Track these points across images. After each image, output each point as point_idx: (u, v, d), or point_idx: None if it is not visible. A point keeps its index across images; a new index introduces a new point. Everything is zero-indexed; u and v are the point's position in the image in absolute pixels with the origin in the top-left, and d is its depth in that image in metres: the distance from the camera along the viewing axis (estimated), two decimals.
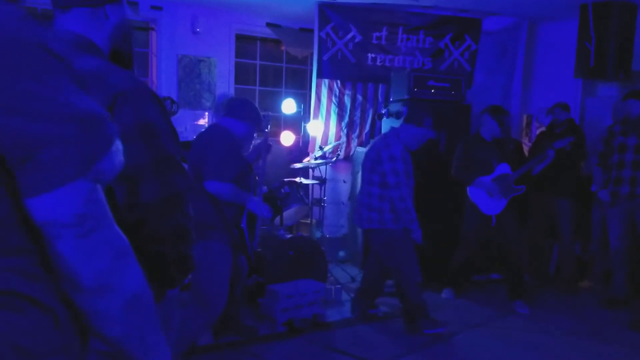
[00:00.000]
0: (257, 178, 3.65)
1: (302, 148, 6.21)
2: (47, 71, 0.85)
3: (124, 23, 1.53)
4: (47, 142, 0.80)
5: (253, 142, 3.88)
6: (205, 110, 6.03)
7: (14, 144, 0.80)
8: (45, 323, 0.85)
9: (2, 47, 0.82)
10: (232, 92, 6.23)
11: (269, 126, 3.87)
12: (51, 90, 0.83)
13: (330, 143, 5.98)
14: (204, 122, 6.01)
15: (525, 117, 6.65)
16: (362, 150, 5.94)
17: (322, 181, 5.51)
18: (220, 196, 3.18)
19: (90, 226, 0.86)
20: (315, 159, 5.34)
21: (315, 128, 5.95)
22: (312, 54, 6.09)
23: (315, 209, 5.81)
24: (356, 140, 6.14)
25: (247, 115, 3.38)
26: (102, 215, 0.89)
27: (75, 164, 0.82)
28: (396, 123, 4.39)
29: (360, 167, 5.89)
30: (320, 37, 5.83)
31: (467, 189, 4.81)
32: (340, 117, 6.05)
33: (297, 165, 5.40)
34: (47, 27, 1.39)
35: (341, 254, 6.16)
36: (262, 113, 3.80)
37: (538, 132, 6.02)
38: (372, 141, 4.38)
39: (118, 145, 0.91)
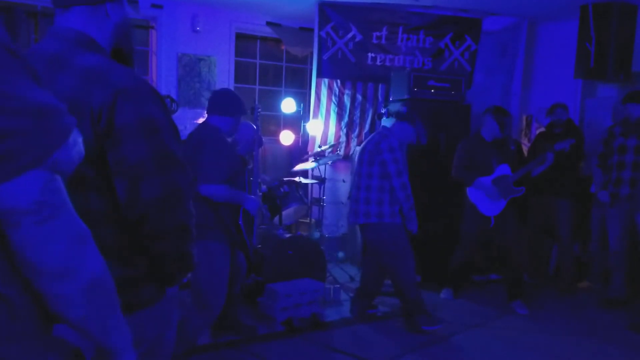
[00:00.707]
0: (251, 179, 3.64)
1: (301, 147, 6.20)
2: (1, 66, 0.87)
3: (125, 22, 1.53)
4: (5, 134, 0.84)
5: (244, 133, 3.84)
6: (204, 109, 6.01)
7: None
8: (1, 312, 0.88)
9: None
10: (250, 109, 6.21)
11: (258, 117, 3.82)
12: (6, 85, 0.86)
13: (329, 142, 5.97)
14: (203, 120, 5.99)
15: (525, 117, 6.65)
16: None
17: (321, 180, 5.50)
18: (217, 198, 3.16)
19: (48, 213, 0.90)
20: (315, 158, 5.33)
21: (314, 127, 5.95)
22: (312, 53, 6.09)
23: (315, 209, 5.81)
24: (356, 139, 6.14)
25: (230, 109, 3.33)
26: (59, 203, 0.92)
27: (31, 155, 0.86)
28: (388, 122, 4.42)
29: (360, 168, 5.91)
30: (320, 37, 5.83)
31: (467, 189, 4.81)
32: (339, 117, 6.05)
33: (299, 167, 5.39)
34: (56, 32, 1.42)
35: (340, 254, 6.16)
36: (253, 105, 3.78)
37: (537, 132, 6.02)
38: (366, 139, 4.42)
39: (77, 138, 0.95)
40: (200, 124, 3.40)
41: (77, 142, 0.95)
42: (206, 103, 3.49)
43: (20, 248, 0.89)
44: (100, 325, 1.01)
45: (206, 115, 3.41)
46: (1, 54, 0.88)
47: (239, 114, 3.38)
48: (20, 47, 0.94)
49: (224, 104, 3.34)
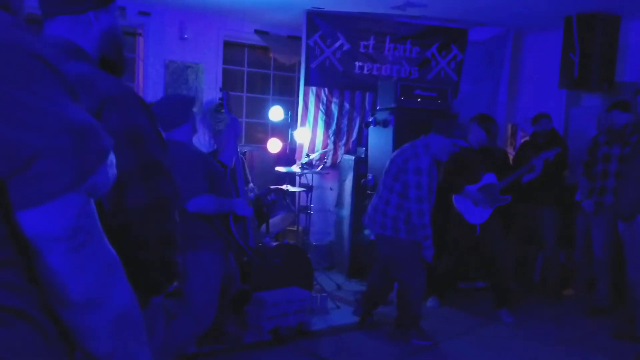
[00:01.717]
0: (237, 184, 3.59)
1: (289, 155, 6.20)
2: (40, 80, 0.82)
3: (113, 30, 1.52)
4: (40, 153, 0.78)
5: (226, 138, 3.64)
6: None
7: (6, 154, 0.77)
8: (33, 337, 0.82)
9: None
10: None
11: (227, 102, 3.58)
12: (45, 101, 0.81)
13: (317, 150, 5.98)
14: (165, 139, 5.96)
15: (510, 126, 6.71)
16: (348, 157, 5.96)
17: (308, 188, 5.51)
18: (205, 210, 3.09)
19: (82, 240, 0.84)
20: (302, 166, 5.34)
21: (302, 135, 5.96)
22: (300, 62, 6.11)
23: (302, 217, 5.81)
24: (343, 148, 6.16)
25: (178, 118, 3.16)
26: (93, 229, 0.87)
27: (69, 176, 0.81)
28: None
29: (346, 174, 5.93)
30: (308, 45, 5.85)
31: (453, 197, 4.83)
32: (327, 125, 6.06)
33: (283, 169, 5.36)
34: (39, 34, 1.39)
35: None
36: (221, 94, 3.53)
37: (522, 141, 6.08)
38: (400, 147, 4.19)
39: (112, 158, 0.89)
40: (167, 143, 3.27)
41: (113, 163, 0.90)
42: (193, 110, 3.39)
43: (49, 275, 0.83)
44: (126, 359, 0.95)
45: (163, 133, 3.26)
46: (40, 68, 0.84)
47: (188, 116, 3.20)
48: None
49: (172, 116, 3.15)
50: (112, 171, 0.90)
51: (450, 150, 4.09)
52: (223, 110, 3.57)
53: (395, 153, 4.22)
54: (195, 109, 3.25)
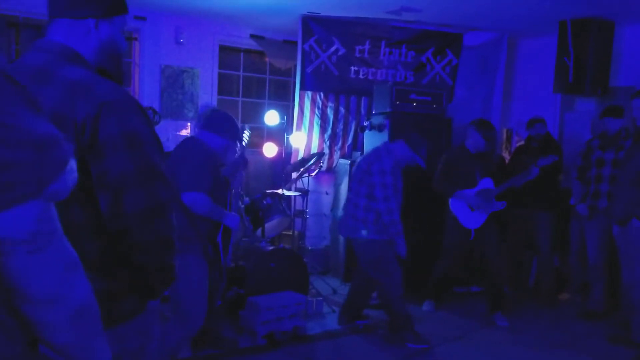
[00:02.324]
0: (233, 190, 3.62)
1: (284, 160, 6.21)
2: (2, 96, 0.88)
3: (113, 44, 1.53)
4: (4, 166, 0.84)
5: (236, 152, 3.85)
6: (187, 120, 6.01)
7: None
8: None
9: None
10: (214, 102, 6.21)
11: (245, 136, 3.84)
12: (8, 117, 0.86)
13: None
14: (186, 132, 5.98)
15: (505, 130, 6.73)
16: (344, 162, 5.97)
17: (304, 192, 5.51)
18: (196, 208, 3.12)
19: (42, 243, 0.91)
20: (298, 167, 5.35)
21: (297, 140, 5.96)
22: (295, 66, 6.12)
23: (298, 221, 5.80)
24: (339, 152, 6.17)
25: (226, 130, 3.34)
26: (52, 232, 0.93)
27: (30, 186, 0.87)
28: (380, 137, 4.41)
29: (342, 179, 5.94)
30: (303, 50, 5.86)
31: (449, 201, 4.84)
32: (322, 129, 6.07)
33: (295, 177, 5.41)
34: (42, 45, 1.42)
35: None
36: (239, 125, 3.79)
37: (516, 146, 6.10)
38: (364, 154, 4.39)
39: (72, 165, 0.94)
40: (187, 137, 3.40)
41: (73, 169, 0.95)
42: (189, 115, 3.48)
43: (10, 275, 0.89)
44: (84, 351, 1.02)
45: (197, 130, 3.40)
46: (3, 84, 0.89)
47: (230, 137, 3.38)
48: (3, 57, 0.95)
49: (221, 124, 3.34)
50: (72, 177, 0.94)
51: (407, 164, 4.22)
52: (243, 145, 3.83)
53: (359, 159, 4.38)
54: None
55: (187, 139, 3.39)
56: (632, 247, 4.13)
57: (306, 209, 5.57)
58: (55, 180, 0.90)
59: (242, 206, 4.82)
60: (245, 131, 3.83)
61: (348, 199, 4.35)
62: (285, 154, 6.23)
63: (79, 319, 0.98)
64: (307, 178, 5.53)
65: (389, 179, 4.07)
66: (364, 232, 4.18)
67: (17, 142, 0.86)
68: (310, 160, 5.35)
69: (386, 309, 4.36)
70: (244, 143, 3.83)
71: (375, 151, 4.28)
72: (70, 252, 0.97)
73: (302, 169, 5.33)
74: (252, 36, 6.38)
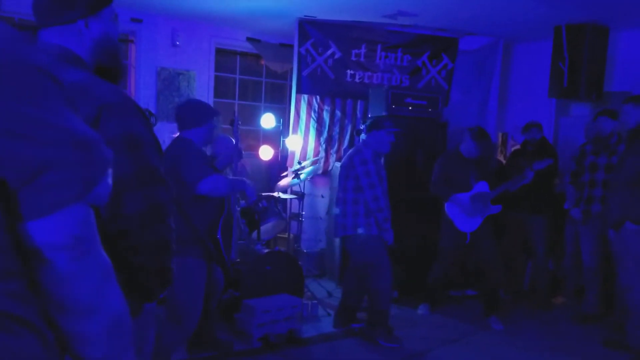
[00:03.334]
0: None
1: (280, 162, 6.21)
2: (47, 95, 0.85)
3: (106, 38, 1.52)
4: (49, 166, 0.81)
5: (222, 147, 3.86)
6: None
7: (16, 167, 0.80)
8: (36, 344, 0.83)
9: (2, 70, 0.82)
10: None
11: (237, 129, 3.79)
12: (52, 115, 0.84)
13: (309, 158, 5.99)
14: (177, 136, 5.98)
15: (500, 135, 6.76)
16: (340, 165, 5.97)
17: (300, 196, 5.51)
18: (219, 189, 3.16)
19: (84, 249, 0.87)
20: (294, 173, 5.35)
21: (294, 143, 5.97)
22: (291, 69, 6.12)
23: (293, 224, 5.80)
24: (334, 155, 6.17)
25: (197, 119, 3.30)
26: (93, 238, 0.90)
27: (76, 188, 0.83)
28: (363, 136, 4.48)
29: (338, 181, 5.93)
30: (299, 53, 5.87)
31: (445, 205, 4.85)
32: (319, 133, 6.08)
33: (283, 183, 5.41)
34: (40, 47, 1.41)
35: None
36: (232, 118, 3.76)
37: (512, 150, 6.12)
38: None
39: (110, 169, 0.92)
40: (174, 139, 3.38)
41: (110, 174, 0.92)
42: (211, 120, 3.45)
43: (50, 283, 0.85)
44: None
45: (178, 131, 3.40)
46: (41, 80, 0.86)
47: (208, 121, 3.34)
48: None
49: (191, 116, 3.31)
50: (111, 181, 0.92)
51: (390, 140, 4.29)
52: (226, 126, 3.74)
53: (342, 160, 4.51)
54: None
55: (174, 141, 3.37)
56: (626, 250, 4.15)
57: (302, 211, 5.58)
58: (100, 182, 0.87)
59: (238, 209, 4.82)
60: (238, 125, 3.75)
61: (337, 199, 4.42)
62: (281, 157, 6.23)
63: (114, 331, 0.94)
64: (302, 181, 5.53)
65: (372, 167, 4.17)
66: (360, 230, 4.20)
67: (63, 141, 0.83)
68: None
69: (369, 304, 4.39)
70: (237, 134, 3.78)
71: (354, 147, 4.45)
72: (107, 259, 0.93)
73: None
74: (248, 39, 6.39)
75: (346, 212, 4.26)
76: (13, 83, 0.82)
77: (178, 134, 3.40)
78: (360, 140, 4.49)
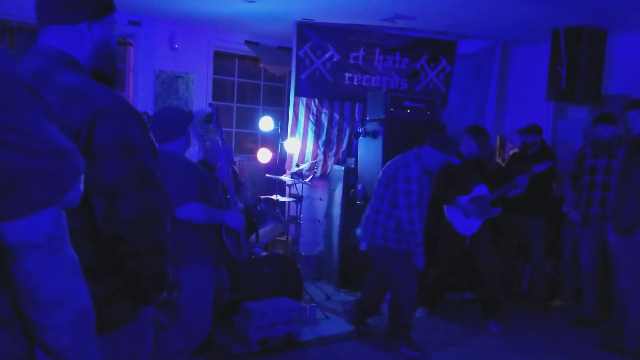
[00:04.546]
0: (228, 196, 3.57)
1: (279, 165, 6.21)
2: (28, 107, 0.93)
3: (106, 44, 1.53)
4: (29, 174, 0.89)
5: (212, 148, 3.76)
6: None
7: None
8: (5, 335, 0.90)
9: None
10: (208, 108, 6.21)
11: (216, 121, 3.60)
12: (32, 126, 0.91)
13: (307, 161, 6.00)
14: (158, 149, 5.97)
15: (498, 137, 6.77)
16: (338, 168, 5.98)
17: (298, 199, 5.51)
18: (194, 218, 3.04)
19: (56, 246, 0.95)
20: (292, 176, 5.36)
21: (292, 146, 5.97)
22: (290, 72, 6.13)
23: (292, 227, 5.80)
24: (333, 158, 6.17)
25: (173, 132, 3.16)
26: (64, 236, 0.98)
27: (51, 193, 0.92)
28: (374, 144, 4.38)
29: (336, 185, 5.94)
30: (298, 56, 5.88)
31: (444, 207, 4.85)
32: (317, 135, 6.08)
33: (284, 177, 5.41)
34: (37, 50, 1.44)
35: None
36: (210, 109, 3.58)
37: (511, 153, 6.13)
38: (393, 158, 4.26)
39: (82, 175, 0.99)
40: (161, 152, 3.28)
41: (82, 180, 1.00)
42: (188, 126, 3.35)
43: (22, 278, 0.93)
44: (82, 355, 1.04)
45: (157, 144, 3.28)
46: (23, 93, 0.93)
47: (185, 130, 3.20)
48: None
49: (166, 130, 3.16)
50: (82, 186, 1.00)
51: (442, 165, 4.14)
52: (212, 124, 3.58)
53: (387, 163, 4.28)
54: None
55: (161, 155, 3.26)
56: (635, 256, 4.13)
57: (300, 214, 5.58)
58: (73, 188, 0.95)
59: (240, 206, 4.80)
60: (214, 116, 3.58)
61: (371, 204, 4.28)
62: (280, 160, 6.23)
63: (80, 323, 1.01)
64: (301, 184, 5.54)
65: (415, 187, 4.00)
66: (390, 244, 4.10)
67: (42, 151, 0.91)
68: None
69: (390, 315, 4.32)
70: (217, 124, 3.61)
71: (403, 157, 4.17)
72: (74, 256, 1.01)
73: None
74: (246, 42, 6.40)
75: (377, 222, 4.14)
76: None
77: (158, 148, 3.27)
78: (413, 150, 4.19)
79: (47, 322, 0.96)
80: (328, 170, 6.16)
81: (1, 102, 0.89)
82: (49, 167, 0.91)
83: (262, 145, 6.28)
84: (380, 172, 4.27)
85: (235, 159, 6.19)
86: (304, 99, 5.99)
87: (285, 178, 5.48)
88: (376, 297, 4.55)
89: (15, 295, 0.93)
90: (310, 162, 6.00)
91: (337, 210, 5.92)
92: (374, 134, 5.39)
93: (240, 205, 4.84)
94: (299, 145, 6.01)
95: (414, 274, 4.16)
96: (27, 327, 0.96)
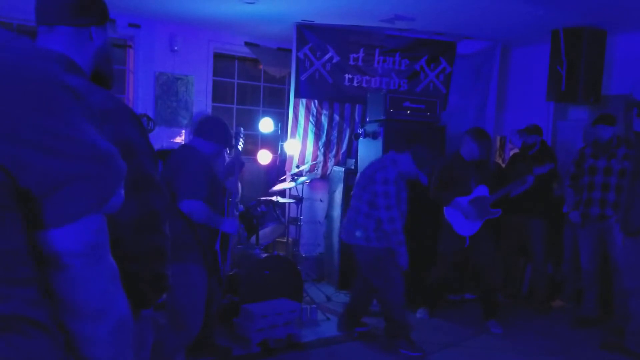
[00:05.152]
0: (229, 199, 3.62)
1: (279, 167, 6.21)
2: (70, 110, 0.91)
3: (105, 47, 1.55)
4: (72, 178, 0.86)
5: (226, 158, 3.88)
6: (181, 128, 6.01)
7: (42, 178, 0.85)
8: (48, 346, 0.87)
9: (27, 86, 0.87)
10: (209, 110, 6.22)
11: (241, 142, 3.83)
12: (74, 130, 0.89)
13: (307, 162, 6.00)
14: (180, 139, 5.99)
15: (498, 138, 6.77)
16: (338, 169, 5.98)
17: (298, 200, 5.51)
18: (194, 215, 3.13)
19: (99, 255, 0.93)
20: (292, 177, 5.36)
21: (292, 147, 5.97)
22: (289, 74, 6.13)
23: (292, 228, 5.80)
24: (333, 159, 6.17)
25: (217, 135, 3.35)
26: (105, 244, 0.95)
27: (95, 198, 0.89)
28: (374, 145, 4.42)
29: (336, 186, 5.94)
30: (298, 57, 5.88)
31: (444, 209, 4.85)
32: (317, 137, 6.08)
33: (277, 188, 5.41)
34: (58, 61, 1.44)
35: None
36: (233, 130, 3.78)
37: (511, 153, 6.12)
38: (370, 162, 4.42)
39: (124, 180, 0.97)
40: (182, 144, 3.40)
41: (123, 185, 0.97)
42: (183, 122, 3.47)
43: (65, 288, 0.89)
44: None
45: (191, 137, 3.42)
46: (63, 95, 0.91)
47: (223, 143, 3.40)
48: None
49: (212, 130, 3.36)
50: (123, 192, 0.98)
51: (412, 177, 4.25)
52: (238, 149, 3.81)
53: (365, 166, 4.40)
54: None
55: (181, 147, 3.41)
56: None
57: (300, 216, 5.57)
58: (115, 193, 0.93)
59: (237, 213, 4.82)
60: (240, 138, 3.81)
61: (351, 205, 4.36)
62: (280, 161, 6.23)
63: (119, 333, 0.98)
64: (301, 185, 5.54)
65: (392, 188, 4.09)
66: (357, 234, 4.18)
67: (81, 155, 0.88)
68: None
69: (385, 315, 4.36)
70: (239, 147, 3.81)
71: (381, 160, 4.32)
72: (114, 265, 0.98)
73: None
74: (246, 44, 6.40)
75: (357, 223, 4.21)
76: (38, 98, 0.88)
77: (181, 138, 3.41)
78: (390, 153, 4.32)
79: (87, 333, 0.93)
80: (328, 172, 6.16)
81: (41, 106, 0.87)
82: (93, 171, 0.89)
83: (262, 147, 6.28)
84: (358, 175, 4.38)
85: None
86: (304, 101, 5.99)
87: (289, 184, 5.49)
88: (364, 299, 4.56)
89: (56, 305, 0.90)
90: (310, 163, 5.99)
91: (337, 211, 5.91)
92: (374, 135, 5.39)
93: (241, 207, 4.85)
94: (299, 147, 6.01)
95: (399, 271, 4.21)
96: (66, 339, 0.92)
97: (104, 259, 0.94)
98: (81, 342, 0.93)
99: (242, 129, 3.89)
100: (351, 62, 6.05)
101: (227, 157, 4.09)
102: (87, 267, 0.90)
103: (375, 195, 4.11)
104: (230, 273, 4.57)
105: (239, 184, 4.96)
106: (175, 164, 3.24)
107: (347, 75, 6.07)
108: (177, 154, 3.35)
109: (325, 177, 6.20)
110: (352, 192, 4.39)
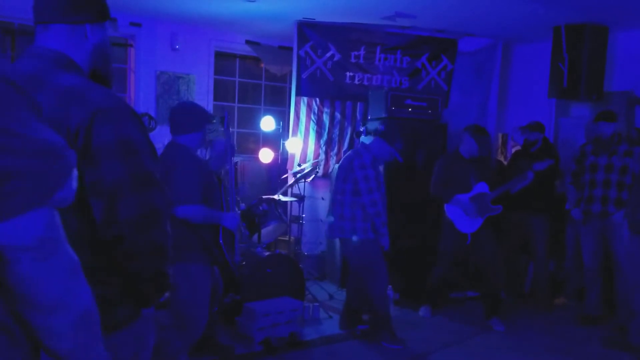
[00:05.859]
0: (227, 186, 3.55)
1: (280, 165, 6.21)
2: (11, 105, 0.89)
3: (104, 44, 1.54)
4: (14, 174, 0.85)
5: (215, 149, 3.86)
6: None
7: None
8: (3, 343, 0.89)
9: None
10: (210, 108, 6.22)
11: (228, 125, 3.69)
12: (17, 125, 0.88)
13: (309, 160, 5.99)
14: (170, 141, 5.96)
15: (500, 135, 6.75)
16: None
17: (300, 198, 5.51)
18: (190, 220, 3.07)
19: (49, 249, 0.92)
20: (294, 175, 5.36)
21: (294, 145, 5.97)
22: (291, 72, 6.13)
23: (294, 226, 5.80)
24: (335, 157, 6.17)
25: (191, 124, 3.22)
26: (59, 239, 0.94)
27: (38, 193, 0.88)
28: (367, 139, 4.50)
29: (335, 184, 5.93)
30: (299, 56, 5.87)
31: (445, 206, 4.85)
32: (319, 135, 6.07)
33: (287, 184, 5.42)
34: (35, 52, 1.43)
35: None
36: (221, 116, 3.68)
37: (513, 150, 6.11)
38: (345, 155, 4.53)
39: (74, 172, 0.96)
40: (169, 143, 3.32)
41: (75, 177, 0.96)
42: (206, 124, 3.37)
43: (17, 283, 0.90)
44: (86, 357, 1.02)
45: (171, 135, 3.33)
46: (7, 90, 0.90)
47: (202, 126, 3.26)
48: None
49: (185, 121, 3.22)
50: (75, 184, 0.96)
51: (387, 158, 4.32)
52: (222, 128, 3.70)
53: (341, 160, 4.50)
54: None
55: (168, 147, 3.29)
56: None
57: (302, 214, 5.57)
58: (62, 188, 0.91)
59: (238, 211, 4.81)
60: (226, 121, 3.66)
61: (333, 201, 4.41)
62: (281, 159, 6.23)
63: (83, 325, 0.99)
64: (303, 184, 5.54)
65: (371, 172, 4.17)
66: (354, 238, 4.20)
67: (25, 150, 0.87)
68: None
69: (369, 306, 4.40)
70: (224, 128, 3.68)
71: (354, 150, 4.46)
72: (74, 258, 0.98)
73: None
74: (247, 42, 6.39)
75: (344, 216, 4.25)
76: None
77: (171, 139, 3.33)
78: (360, 142, 4.44)
79: (48, 325, 0.94)
80: (330, 170, 6.15)
81: None
82: (34, 167, 0.87)
83: (264, 145, 6.28)
84: (337, 170, 4.46)
85: (237, 159, 6.19)
86: (305, 99, 5.98)
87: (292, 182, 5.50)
88: (359, 295, 4.56)
89: (13, 299, 0.91)
90: (312, 161, 5.99)
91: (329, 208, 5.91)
92: (375, 133, 5.37)
93: (242, 205, 4.85)
94: (301, 145, 6.01)
95: (383, 262, 4.26)
96: (30, 331, 0.94)
97: (57, 253, 0.93)
98: (42, 334, 0.95)
99: (227, 111, 3.73)
100: (352, 60, 6.04)
101: (216, 142, 4.06)
102: (38, 261, 0.90)
103: (357, 182, 4.18)
104: (244, 263, 4.56)
105: (234, 144, 4.92)
106: (167, 164, 3.14)
107: (348, 73, 6.06)
108: (166, 155, 3.20)
109: (327, 176, 6.20)
110: (333, 189, 4.43)
